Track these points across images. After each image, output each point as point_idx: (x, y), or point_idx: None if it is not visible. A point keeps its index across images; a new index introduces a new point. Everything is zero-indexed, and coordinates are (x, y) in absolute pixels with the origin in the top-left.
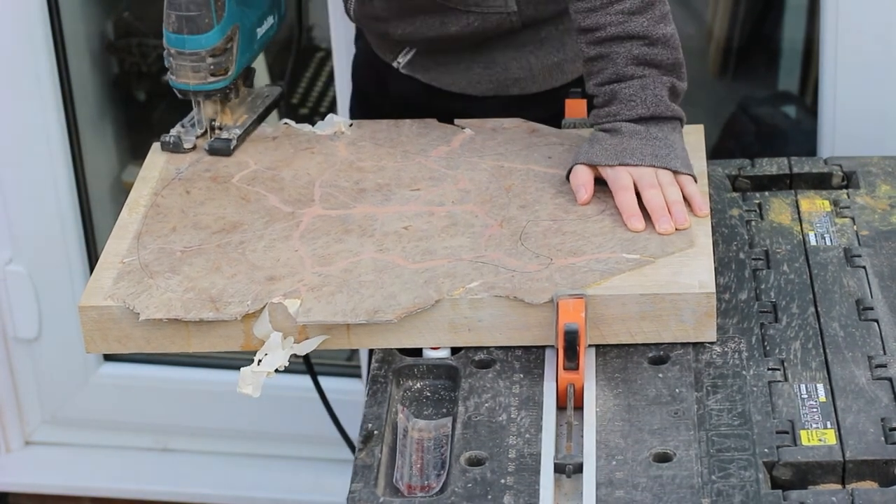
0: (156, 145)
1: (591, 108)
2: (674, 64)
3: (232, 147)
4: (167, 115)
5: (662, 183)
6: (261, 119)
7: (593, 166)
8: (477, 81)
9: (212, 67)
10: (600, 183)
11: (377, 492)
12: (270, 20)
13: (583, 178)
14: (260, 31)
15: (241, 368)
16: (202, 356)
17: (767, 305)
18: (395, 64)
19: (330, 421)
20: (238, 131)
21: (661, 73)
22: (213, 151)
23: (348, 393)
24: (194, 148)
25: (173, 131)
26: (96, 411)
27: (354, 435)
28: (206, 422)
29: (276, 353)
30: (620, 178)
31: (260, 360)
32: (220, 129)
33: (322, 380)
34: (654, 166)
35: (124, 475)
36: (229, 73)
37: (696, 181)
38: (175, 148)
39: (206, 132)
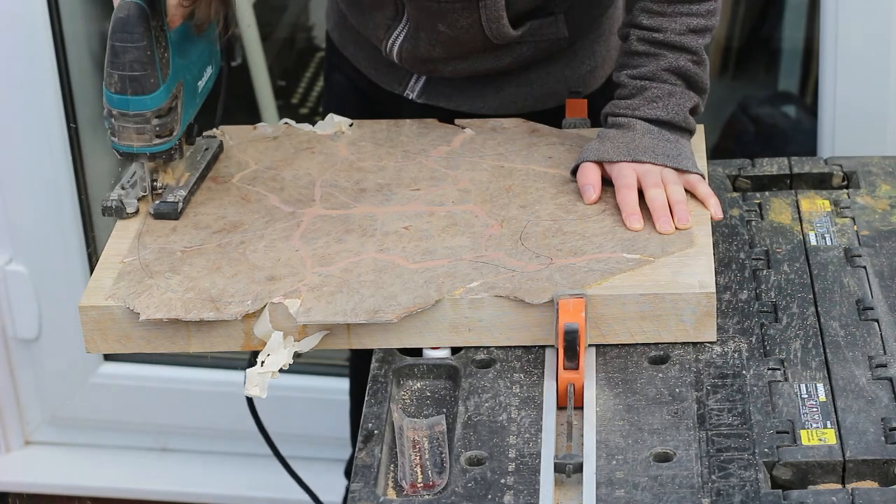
0: None
1: (592, 108)
2: (704, 88)
3: (179, 210)
4: None
5: (667, 182)
6: (203, 175)
7: (600, 164)
8: (512, 101)
9: (157, 129)
10: (602, 182)
11: (377, 491)
12: (209, 71)
13: (590, 176)
14: (200, 85)
15: (247, 370)
16: (202, 356)
17: (768, 305)
18: (406, 94)
19: (330, 421)
20: (183, 192)
21: (692, 91)
22: (158, 216)
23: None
24: (137, 212)
25: (113, 194)
26: (96, 411)
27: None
28: (205, 422)
29: (278, 352)
30: (625, 176)
31: (263, 361)
32: (163, 189)
33: (321, 380)
34: (664, 165)
35: (124, 475)
36: (175, 133)
37: (706, 180)
38: (117, 213)
39: (148, 194)
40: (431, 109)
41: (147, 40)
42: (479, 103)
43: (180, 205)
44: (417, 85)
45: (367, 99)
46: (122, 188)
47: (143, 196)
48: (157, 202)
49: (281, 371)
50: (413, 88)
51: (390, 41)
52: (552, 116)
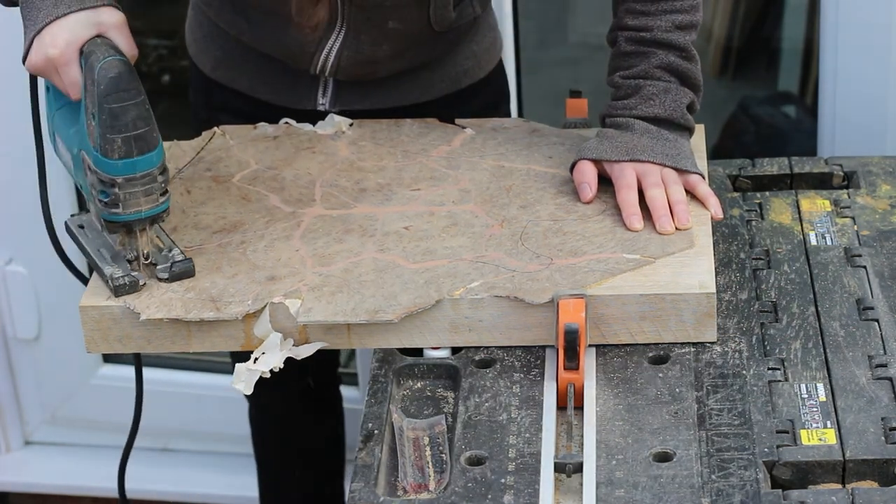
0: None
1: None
2: (698, 84)
3: (194, 266)
4: (167, 115)
5: (667, 182)
6: (167, 234)
7: (598, 163)
8: (430, 86)
9: (162, 186)
10: (602, 182)
11: (377, 491)
12: None
13: (587, 175)
14: None
15: (237, 364)
16: (202, 359)
17: (768, 305)
18: (319, 107)
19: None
20: (178, 250)
21: (686, 87)
22: (174, 278)
23: (347, 400)
24: (144, 284)
25: (116, 273)
26: (96, 411)
27: None
28: (206, 425)
29: (273, 353)
30: (625, 176)
31: (256, 359)
32: (147, 256)
33: None
34: (663, 164)
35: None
36: (168, 187)
37: (705, 180)
38: (132, 289)
39: (139, 261)
40: (346, 115)
41: (143, 94)
42: (397, 96)
43: (191, 261)
44: (328, 94)
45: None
46: (109, 265)
47: (133, 264)
48: (167, 265)
49: (273, 372)
50: (324, 99)
51: (323, 55)
52: (470, 96)
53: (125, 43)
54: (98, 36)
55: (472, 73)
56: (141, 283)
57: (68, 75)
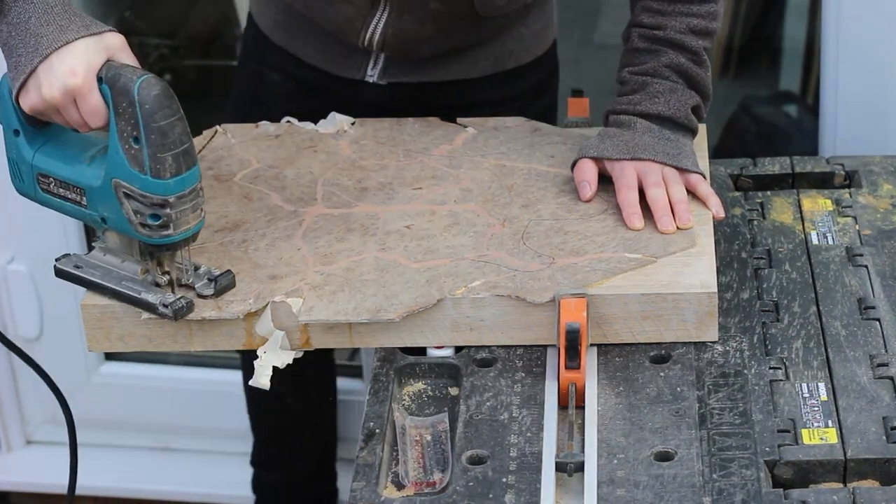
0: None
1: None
2: (705, 90)
3: (234, 276)
4: None
5: (668, 181)
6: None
7: (599, 162)
8: (473, 65)
9: (203, 200)
10: (604, 181)
11: (378, 490)
12: None
13: (588, 173)
14: None
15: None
16: (203, 356)
17: (769, 304)
18: (368, 78)
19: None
20: (204, 266)
21: (693, 90)
22: (220, 291)
23: (351, 393)
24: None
25: (167, 299)
26: (97, 411)
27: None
28: (206, 422)
29: (274, 351)
30: (626, 175)
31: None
32: (184, 276)
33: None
34: (664, 163)
35: (124, 475)
36: None
37: (707, 180)
38: (188, 310)
39: (173, 284)
40: (393, 87)
41: (182, 108)
42: (442, 72)
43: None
44: (377, 67)
45: (315, 91)
46: (151, 291)
47: (168, 286)
48: (205, 281)
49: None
50: (373, 70)
51: (369, 31)
52: (516, 77)
53: (134, 65)
54: (107, 60)
55: (517, 55)
56: (195, 301)
57: (89, 103)
